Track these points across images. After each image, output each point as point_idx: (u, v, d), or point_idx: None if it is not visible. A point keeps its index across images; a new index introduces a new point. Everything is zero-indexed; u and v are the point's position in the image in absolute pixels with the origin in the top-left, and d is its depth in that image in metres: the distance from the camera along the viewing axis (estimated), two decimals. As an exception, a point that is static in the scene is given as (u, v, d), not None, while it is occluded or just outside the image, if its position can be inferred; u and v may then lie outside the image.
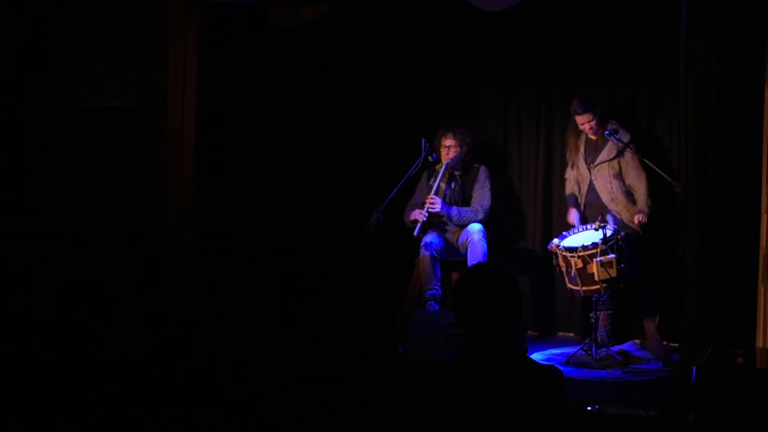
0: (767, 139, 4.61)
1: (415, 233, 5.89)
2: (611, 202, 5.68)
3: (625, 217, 5.65)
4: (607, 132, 5.62)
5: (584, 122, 5.67)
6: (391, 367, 2.80)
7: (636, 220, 5.56)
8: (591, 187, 5.76)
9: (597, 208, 5.71)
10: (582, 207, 5.84)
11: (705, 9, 4.62)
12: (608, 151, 5.70)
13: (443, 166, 6.02)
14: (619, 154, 5.68)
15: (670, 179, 5.36)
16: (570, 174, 5.95)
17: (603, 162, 5.71)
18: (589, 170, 5.76)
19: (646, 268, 5.56)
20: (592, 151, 5.78)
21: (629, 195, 5.69)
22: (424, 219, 5.87)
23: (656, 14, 5.68)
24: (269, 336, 3.85)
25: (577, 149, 5.84)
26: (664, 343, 5.60)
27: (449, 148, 6.01)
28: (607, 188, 5.69)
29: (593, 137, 5.76)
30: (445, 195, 6.06)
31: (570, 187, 5.97)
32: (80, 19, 6.00)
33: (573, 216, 5.81)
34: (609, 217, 5.54)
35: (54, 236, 5.83)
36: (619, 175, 5.69)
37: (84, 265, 5.52)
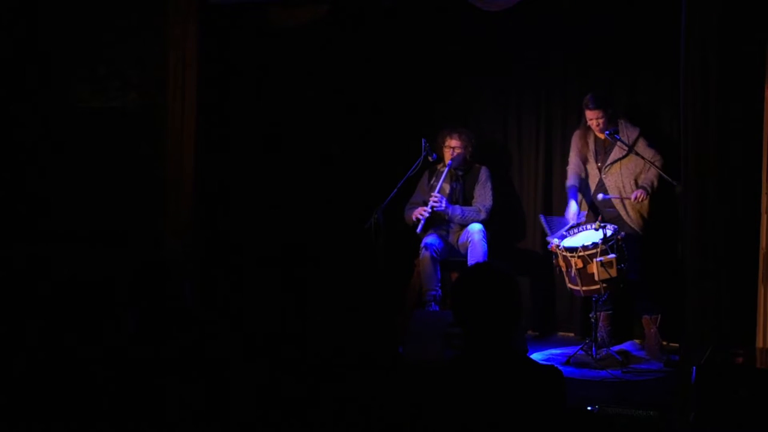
0: (767, 139, 4.61)
1: (419, 230, 5.89)
2: (620, 203, 5.65)
3: (632, 215, 5.63)
4: (607, 132, 5.62)
5: (593, 118, 5.65)
6: (391, 367, 2.80)
7: (633, 196, 5.53)
8: (600, 186, 5.74)
9: (604, 208, 5.70)
10: (587, 204, 5.83)
11: (705, 9, 4.62)
12: (617, 150, 5.69)
13: (446, 167, 6.02)
14: (630, 149, 5.66)
15: (670, 179, 5.36)
16: (576, 165, 5.88)
17: (615, 161, 5.69)
18: (600, 170, 5.74)
19: (647, 268, 5.56)
20: (602, 151, 5.75)
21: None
22: (428, 215, 5.88)
23: (656, 13, 5.68)
24: (269, 335, 3.86)
25: (587, 147, 5.82)
26: (664, 343, 5.60)
27: (454, 149, 6.01)
28: (618, 188, 5.66)
29: (601, 136, 5.75)
30: (447, 195, 6.06)
31: (571, 177, 5.89)
32: (80, 19, 6.00)
33: (571, 210, 5.73)
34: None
35: (54, 236, 5.83)
36: (635, 175, 5.67)
37: (84, 265, 5.52)
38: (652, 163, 5.52)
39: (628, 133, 5.66)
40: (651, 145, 5.63)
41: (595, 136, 5.78)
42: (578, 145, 5.86)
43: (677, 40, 4.82)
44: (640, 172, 5.66)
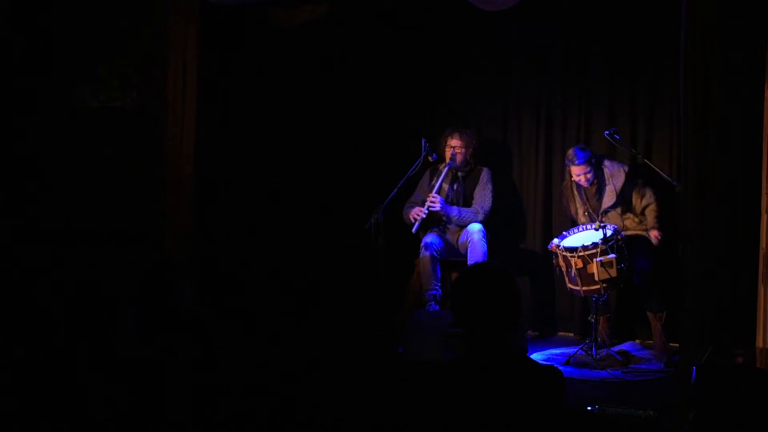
0: (767, 139, 4.61)
1: (414, 230, 5.90)
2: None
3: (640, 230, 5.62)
4: (606, 132, 5.61)
5: (580, 173, 5.59)
6: (391, 367, 2.80)
7: (653, 239, 5.51)
8: None
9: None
10: None
11: (705, 9, 4.62)
12: (609, 197, 5.61)
13: (446, 166, 6.02)
14: (621, 198, 5.60)
15: (670, 179, 5.36)
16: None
17: (609, 210, 5.63)
18: (600, 217, 5.62)
19: (654, 266, 5.55)
20: (593, 198, 5.68)
21: (640, 220, 5.65)
22: (424, 216, 5.88)
23: (656, 13, 5.68)
24: (269, 336, 3.86)
25: (575, 201, 5.76)
26: (668, 343, 5.58)
27: (454, 149, 6.02)
28: (619, 225, 5.59)
29: (586, 187, 5.68)
30: (447, 196, 6.07)
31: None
32: (80, 19, 6.01)
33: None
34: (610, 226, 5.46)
35: (54, 236, 5.83)
36: (634, 214, 5.65)
37: (83, 265, 5.52)
38: (652, 166, 5.51)
39: (614, 180, 5.58)
40: (646, 185, 5.59)
41: (581, 187, 5.73)
42: (567, 200, 5.82)
43: (677, 40, 4.82)
44: (641, 207, 5.62)
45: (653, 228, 5.54)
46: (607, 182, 5.61)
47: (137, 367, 2.86)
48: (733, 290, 4.64)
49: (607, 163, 5.67)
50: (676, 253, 5.60)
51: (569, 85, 6.26)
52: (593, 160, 5.59)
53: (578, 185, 5.72)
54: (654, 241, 5.51)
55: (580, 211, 5.74)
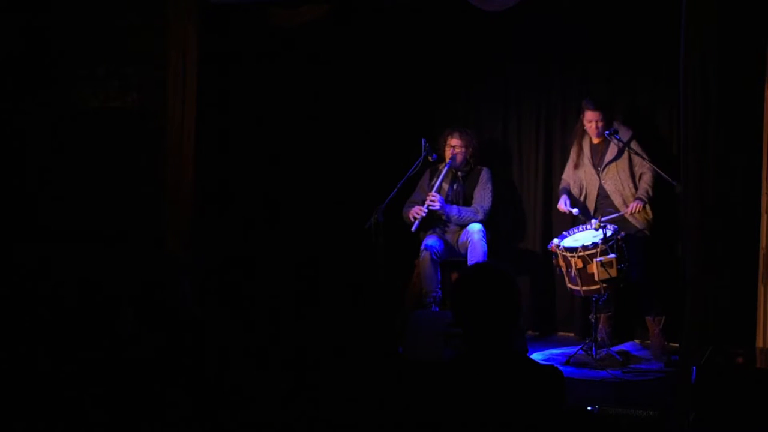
0: (767, 139, 4.61)
1: (413, 229, 5.91)
2: (623, 205, 5.65)
3: (637, 216, 5.62)
4: (606, 132, 5.63)
5: (593, 119, 5.67)
6: (391, 367, 2.80)
7: (629, 209, 5.54)
8: (602, 192, 5.74)
9: (604, 208, 5.70)
10: (592, 211, 5.81)
11: (705, 9, 4.62)
12: (611, 151, 5.71)
13: (446, 166, 6.03)
14: (622, 152, 5.68)
15: (670, 179, 5.36)
16: (569, 175, 5.94)
17: (610, 162, 5.70)
18: (598, 174, 5.74)
19: (651, 268, 5.56)
20: (598, 154, 5.78)
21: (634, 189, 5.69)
22: (424, 215, 5.89)
23: (656, 13, 5.69)
24: (269, 335, 3.85)
25: (582, 150, 5.83)
26: (666, 344, 5.59)
27: (454, 148, 6.03)
28: (619, 190, 5.67)
29: (596, 140, 5.76)
30: (446, 195, 6.07)
31: (562, 182, 5.98)
32: (80, 19, 6.00)
33: (563, 201, 5.81)
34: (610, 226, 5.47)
35: (54, 236, 5.83)
36: (631, 174, 5.68)
37: (84, 265, 5.52)
38: (652, 165, 5.51)
39: (621, 134, 5.69)
40: (643, 149, 5.64)
41: (590, 141, 5.79)
42: (575, 152, 5.88)
43: (677, 40, 4.82)
44: (638, 171, 5.68)
45: (638, 198, 5.57)
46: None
47: (137, 367, 2.86)
48: (733, 290, 4.64)
49: (617, 121, 5.78)
50: (676, 254, 5.60)
51: (569, 85, 6.26)
52: (607, 113, 5.70)
53: (585, 136, 5.78)
54: (629, 209, 5.53)
55: (587, 165, 5.78)
